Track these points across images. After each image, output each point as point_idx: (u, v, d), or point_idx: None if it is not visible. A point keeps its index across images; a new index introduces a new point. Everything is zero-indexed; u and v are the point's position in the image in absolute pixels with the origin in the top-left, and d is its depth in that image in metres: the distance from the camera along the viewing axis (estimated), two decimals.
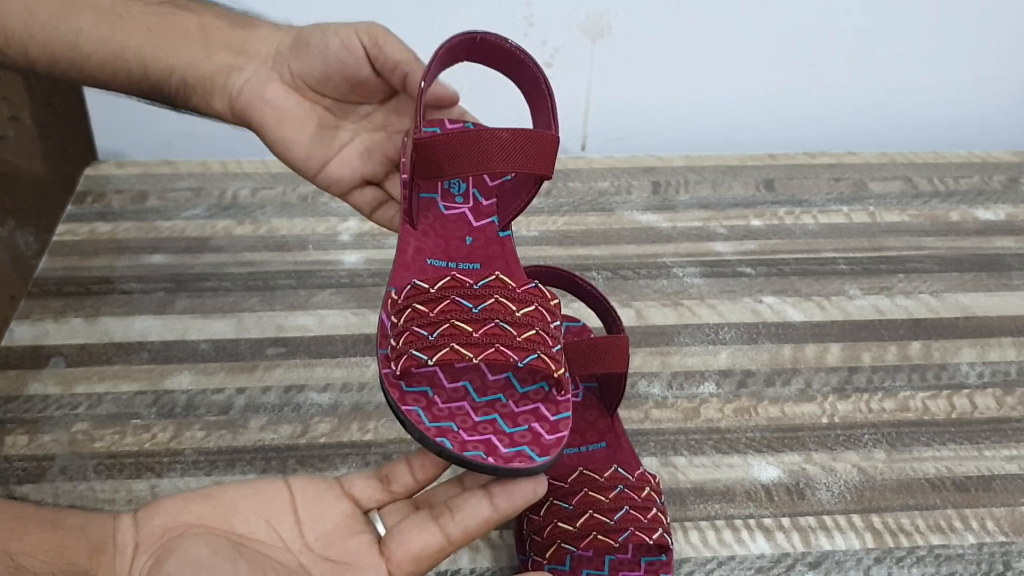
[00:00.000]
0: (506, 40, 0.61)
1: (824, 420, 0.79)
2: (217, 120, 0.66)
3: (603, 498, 0.65)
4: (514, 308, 0.54)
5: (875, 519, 0.72)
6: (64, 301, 0.87)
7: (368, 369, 0.82)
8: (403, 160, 0.62)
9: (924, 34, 1.10)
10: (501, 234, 0.63)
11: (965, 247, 0.98)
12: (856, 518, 0.72)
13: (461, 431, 0.52)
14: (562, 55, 1.07)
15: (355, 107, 0.67)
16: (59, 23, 0.65)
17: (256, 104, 0.64)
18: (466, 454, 0.50)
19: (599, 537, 0.63)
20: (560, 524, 0.64)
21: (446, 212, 0.63)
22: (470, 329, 0.52)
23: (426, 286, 0.55)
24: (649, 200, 1.02)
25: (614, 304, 0.71)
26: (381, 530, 0.53)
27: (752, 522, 0.72)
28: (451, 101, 0.65)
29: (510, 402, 0.54)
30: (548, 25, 1.05)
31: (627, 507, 0.65)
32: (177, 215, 0.97)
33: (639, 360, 0.83)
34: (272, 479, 0.53)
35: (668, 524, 0.66)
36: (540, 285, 0.56)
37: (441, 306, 0.53)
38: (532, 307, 0.54)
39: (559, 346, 0.55)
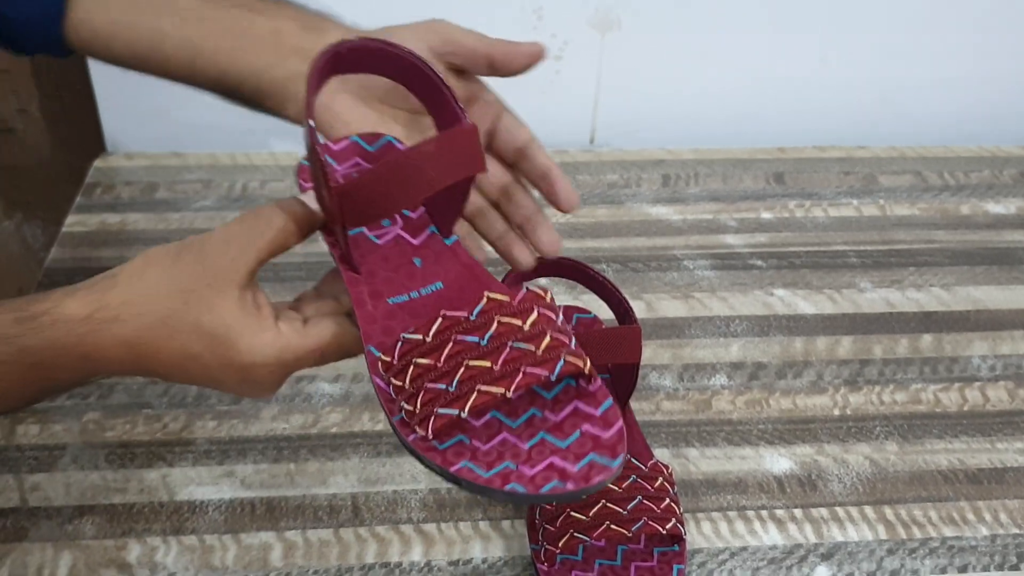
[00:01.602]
0: (369, 40, 0.56)
1: (836, 412, 0.79)
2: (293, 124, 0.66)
3: (616, 488, 0.65)
4: (520, 323, 0.50)
5: (887, 511, 0.72)
6: None
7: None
8: (314, 193, 0.56)
9: (934, 28, 1.09)
10: (447, 242, 0.59)
11: (976, 241, 0.97)
12: (868, 509, 0.72)
13: (522, 467, 0.48)
14: (571, 49, 1.07)
15: (423, 117, 0.63)
16: (141, 23, 0.66)
17: (325, 115, 0.63)
18: (543, 491, 0.46)
19: (612, 527, 0.63)
20: (573, 514, 0.64)
21: (379, 242, 0.58)
22: (488, 363, 0.48)
23: (419, 336, 0.50)
24: (659, 193, 1.02)
25: (625, 296, 0.71)
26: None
27: (764, 513, 0.72)
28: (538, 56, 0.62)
29: (546, 413, 0.50)
30: (557, 19, 1.05)
31: (640, 497, 0.65)
32: (187, 207, 0.97)
33: (650, 352, 0.83)
34: None
35: (681, 514, 0.66)
36: (527, 285, 0.53)
37: (447, 351, 0.49)
38: (535, 313, 0.50)
39: (572, 338, 0.52)
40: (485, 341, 0.49)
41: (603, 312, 0.75)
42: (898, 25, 1.09)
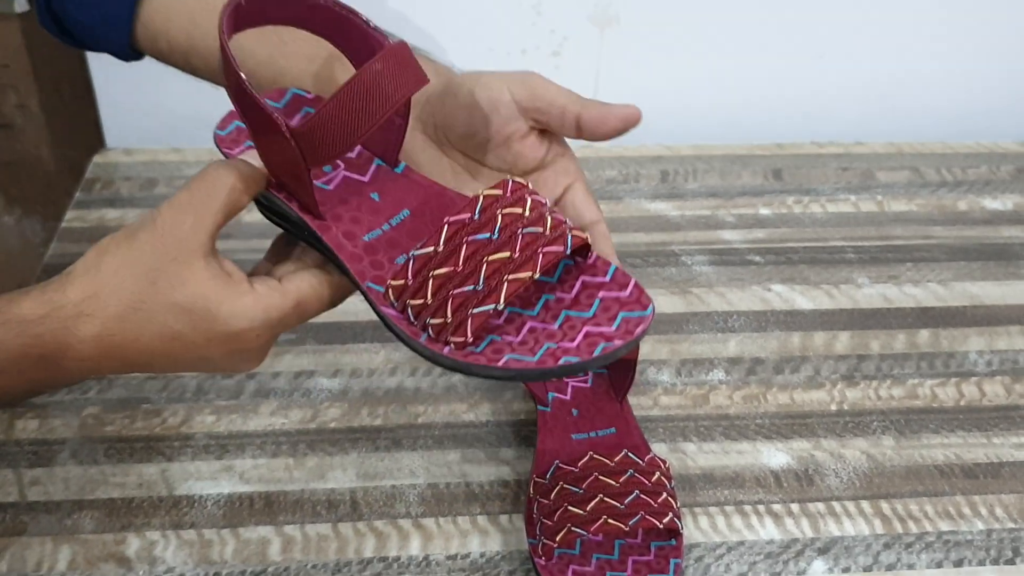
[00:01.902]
0: None
1: (833, 407, 0.80)
2: None
3: (613, 483, 0.65)
4: (520, 210, 0.51)
5: (884, 505, 0.72)
6: None
7: (377, 355, 0.82)
8: (257, 151, 0.55)
9: (931, 24, 1.10)
10: (397, 170, 0.58)
11: (973, 236, 0.98)
12: (865, 504, 0.72)
13: (563, 343, 0.49)
14: (570, 44, 1.07)
15: (494, 174, 0.61)
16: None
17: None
18: (595, 354, 0.48)
19: (609, 521, 0.63)
20: (570, 508, 0.64)
21: (329, 188, 0.58)
22: (507, 253, 0.50)
23: (430, 249, 0.51)
24: (658, 188, 1.02)
25: None
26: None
27: (761, 508, 0.72)
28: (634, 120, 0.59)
29: (558, 294, 0.51)
30: (556, 14, 1.05)
31: (637, 492, 0.65)
32: None
33: (648, 347, 0.83)
34: None
35: (678, 509, 0.66)
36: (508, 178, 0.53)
37: (463, 254, 0.51)
38: (529, 199, 0.52)
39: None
40: (496, 235, 0.50)
41: None
42: (895, 21, 1.09)
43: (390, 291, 0.52)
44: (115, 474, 0.72)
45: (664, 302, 0.89)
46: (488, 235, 0.50)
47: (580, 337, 0.49)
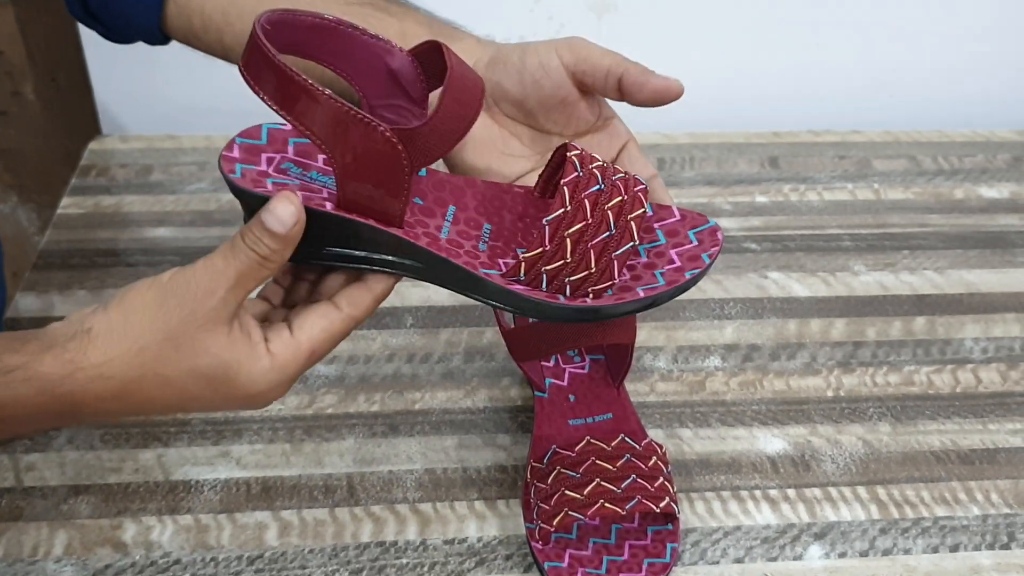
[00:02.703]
0: (276, 15, 0.52)
1: (829, 393, 0.80)
2: None
3: (610, 467, 0.65)
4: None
5: (880, 491, 0.72)
6: (69, 273, 0.87)
7: (374, 342, 0.82)
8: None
9: (928, 12, 1.10)
10: (421, 174, 0.58)
11: (969, 224, 0.98)
12: (861, 490, 0.72)
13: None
14: (568, 31, 1.06)
15: (547, 137, 0.63)
16: (257, 14, 0.64)
17: None
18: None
19: (606, 505, 0.63)
20: (567, 492, 0.64)
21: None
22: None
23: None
24: None
25: None
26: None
27: (758, 493, 0.72)
28: (672, 93, 0.60)
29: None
30: (554, 1, 1.05)
31: (634, 476, 0.65)
32: (182, 190, 0.97)
33: (644, 334, 0.83)
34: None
35: (675, 493, 0.66)
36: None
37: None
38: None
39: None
40: (602, 184, 0.55)
41: None
42: (892, 10, 1.09)
43: (523, 265, 0.54)
44: (111, 459, 0.72)
45: None
46: (598, 186, 0.54)
47: (677, 257, 0.57)
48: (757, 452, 0.75)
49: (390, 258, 0.54)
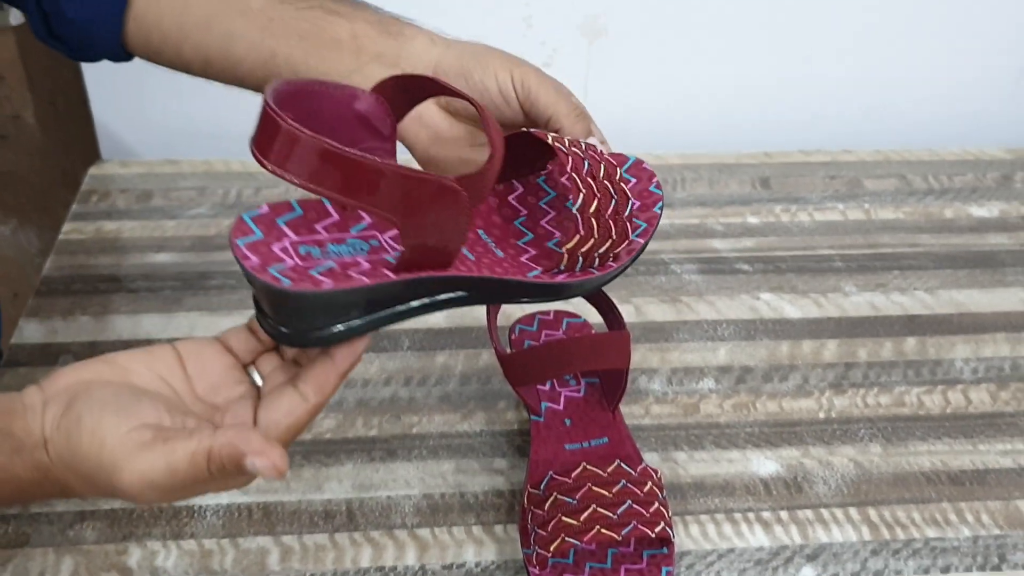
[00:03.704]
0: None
1: (821, 415, 0.81)
2: None
3: (606, 493, 0.66)
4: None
5: (872, 512, 0.74)
6: (72, 299, 0.88)
7: (372, 365, 0.83)
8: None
9: (917, 32, 1.11)
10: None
11: (959, 244, 0.99)
12: (853, 511, 0.74)
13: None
14: (560, 55, 1.08)
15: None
16: (212, 25, 0.65)
17: (411, 123, 0.63)
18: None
19: (602, 530, 0.64)
20: (564, 518, 0.65)
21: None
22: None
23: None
24: None
25: (613, 300, 0.72)
26: (258, 380, 0.55)
27: (751, 515, 0.73)
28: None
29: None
30: (546, 26, 1.06)
31: (630, 501, 0.66)
32: (182, 214, 0.98)
33: (639, 356, 0.85)
34: (160, 344, 0.55)
35: (670, 518, 0.67)
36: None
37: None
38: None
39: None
40: (586, 160, 0.58)
41: (592, 316, 0.76)
42: (881, 29, 1.10)
43: (566, 256, 0.57)
44: None
45: (654, 310, 0.90)
46: (587, 162, 0.58)
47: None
48: (750, 474, 0.76)
49: (441, 297, 0.54)
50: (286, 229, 0.52)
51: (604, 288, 0.72)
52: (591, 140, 0.62)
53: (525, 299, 0.58)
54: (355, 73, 0.63)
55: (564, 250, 0.56)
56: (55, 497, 0.53)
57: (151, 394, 0.51)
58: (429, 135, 0.64)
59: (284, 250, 0.51)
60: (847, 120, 1.15)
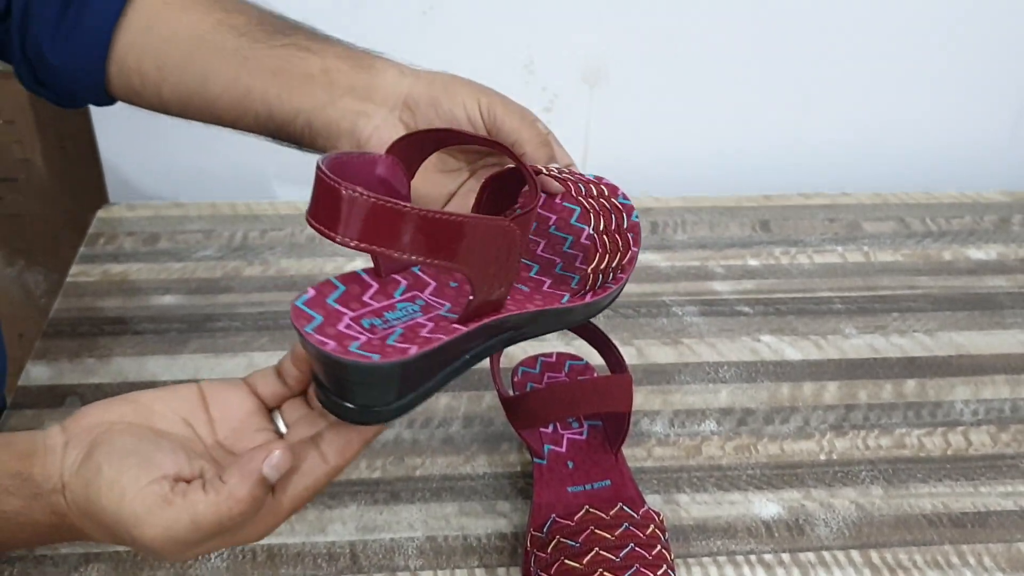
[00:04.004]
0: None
1: (822, 457, 0.81)
2: None
3: (609, 536, 0.67)
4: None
5: (873, 554, 0.74)
6: (79, 342, 0.89)
7: None
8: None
9: (915, 77, 1.13)
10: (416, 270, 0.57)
11: (958, 286, 1.00)
12: (855, 553, 0.74)
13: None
14: (561, 101, 1.09)
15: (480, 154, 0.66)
16: (188, 65, 0.67)
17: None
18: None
19: (605, 574, 0.65)
20: (567, 561, 0.66)
21: (441, 310, 0.56)
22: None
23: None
24: (648, 240, 1.04)
25: (615, 342, 0.73)
26: (282, 427, 0.55)
27: (753, 557, 0.73)
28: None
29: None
30: (548, 72, 1.08)
31: (632, 544, 0.66)
32: (188, 257, 0.99)
33: (641, 398, 0.85)
34: (186, 384, 0.55)
35: (672, 561, 0.68)
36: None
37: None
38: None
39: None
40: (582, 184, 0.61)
41: (594, 358, 0.77)
42: (878, 74, 1.12)
43: (590, 276, 0.58)
44: None
45: (656, 352, 0.90)
46: (582, 185, 0.60)
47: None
48: (752, 516, 0.76)
49: (491, 342, 0.54)
50: (339, 307, 0.51)
51: (605, 330, 0.74)
52: (554, 165, 0.63)
53: (568, 326, 0.61)
54: (328, 106, 0.64)
55: (589, 270, 0.58)
56: (70, 540, 0.53)
57: (172, 437, 0.52)
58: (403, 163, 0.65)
59: (349, 327, 0.50)
60: (845, 163, 1.17)
